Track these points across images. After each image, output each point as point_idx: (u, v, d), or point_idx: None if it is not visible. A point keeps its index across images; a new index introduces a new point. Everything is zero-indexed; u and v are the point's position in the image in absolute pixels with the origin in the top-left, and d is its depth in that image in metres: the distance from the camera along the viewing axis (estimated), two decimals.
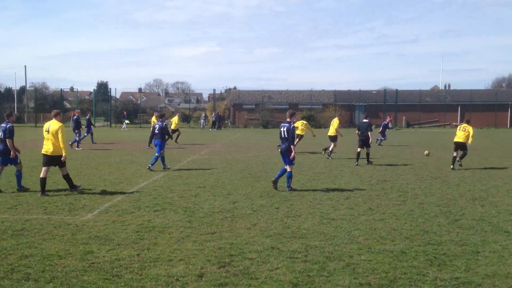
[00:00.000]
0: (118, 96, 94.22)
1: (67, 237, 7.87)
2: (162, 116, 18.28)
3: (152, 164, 16.42)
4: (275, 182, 12.58)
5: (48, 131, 11.66)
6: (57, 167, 11.95)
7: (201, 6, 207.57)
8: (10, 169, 13.02)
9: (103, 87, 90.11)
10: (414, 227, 8.72)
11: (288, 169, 12.41)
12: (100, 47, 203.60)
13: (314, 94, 66.11)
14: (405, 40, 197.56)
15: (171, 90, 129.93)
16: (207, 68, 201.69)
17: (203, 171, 16.30)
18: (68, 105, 78.69)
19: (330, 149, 21.31)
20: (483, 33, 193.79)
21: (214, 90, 70.92)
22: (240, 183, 13.81)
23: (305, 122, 24.94)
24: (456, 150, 17.75)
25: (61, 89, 69.58)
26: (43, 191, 11.62)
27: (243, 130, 52.99)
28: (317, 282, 5.89)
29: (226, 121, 62.53)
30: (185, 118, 63.80)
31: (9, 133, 12.02)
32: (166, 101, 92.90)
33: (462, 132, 18.00)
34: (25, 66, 75.34)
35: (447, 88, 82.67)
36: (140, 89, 75.65)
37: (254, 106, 62.50)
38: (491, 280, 5.97)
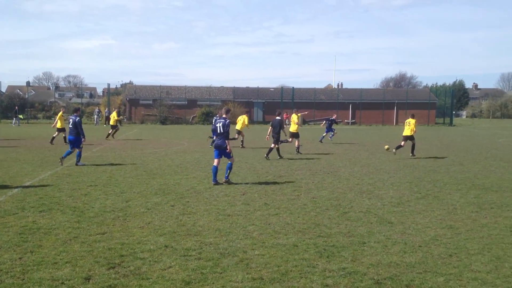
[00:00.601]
0: (4, 90, 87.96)
1: None
2: (76, 111, 17.56)
3: (78, 161, 16.60)
4: (216, 182, 12.89)
5: None
6: None
7: None
8: None
9: None
10: (306, 220, 8.97)
11: (229, 161, 13.07)
12: None
13: (213, 90, 66.16)
14: (301, 40, 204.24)
15: (62, 84, 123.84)
16: (101, 62, 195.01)
17: (95, 169, 15.65)
18: None
19: (297, 145, 21.84)
20: (373, 35, 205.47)
21: (109, 84, 68.50)
22: (134, 180, 13.43)
23: (245, 117, 26.09)
24: (405, 141, 20.71)
25: None
26: None
27: (139, 126, 51.73)
28: (210, 279, 5.85)
29: (122, 117, 60.70)
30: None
31: None
32: (57, 95, 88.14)
33: (408, 126, 20.80)
34: None
35: (339, 87, 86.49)
36: (28, 83, 70.95)
37: (151, 102, 61.23)
38: (375, 269, 6.28)
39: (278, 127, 19.41)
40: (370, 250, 7.14)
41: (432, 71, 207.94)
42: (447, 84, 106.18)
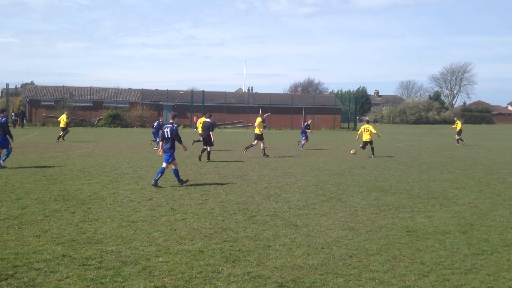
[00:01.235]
0: None
1: None
2: (2, 111, 16.95)
3: (3, 160, 16.24)
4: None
5: None
6: None
7: None
8: None
9: None
10: (213, 225, 8.91)
11: (173, 167, 13.44)
12: None
13: (120, 92, 64.35)
14: (212, 43, 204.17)
15: None
16: (1, 61, 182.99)
17: None
18: None
19: (262, 148, 22.37)
20: (282, 41, 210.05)
21: (7, 84, 64.39)
22: (32, 186, 12.68)
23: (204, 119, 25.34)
24: (364, 146, 23.26)
25: None
26: None
27: (40, 129, 49.13)
28: None
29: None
30: None
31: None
32: None
33: (367, 133, 22.92)
34: None
35: (250, 91, 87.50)
36: None
37: (53, 103, 58.33)
38: (280, 272, 6.35)
39: (207, 129, 19.96)
40: (275, 253, 7.21)
41: (337, 77, 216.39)
42: (351, 90, 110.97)
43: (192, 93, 66.16)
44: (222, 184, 13.84)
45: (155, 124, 27.32)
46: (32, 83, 76.49)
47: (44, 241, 7.53)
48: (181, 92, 68.98)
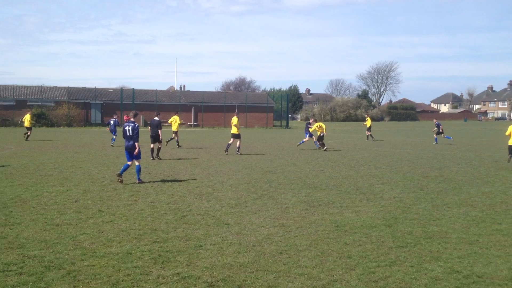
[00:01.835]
0: None
1: None
2: None
3: None
4: (120, 175, 13.50)
5: None
6: None
7: None
8: None
9: None
10: (142, 226, 8.72)
11: (137, 163, 13.73)
12: None
13: (45, 90, 61.84)
14: (142, 40, 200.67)
15: None
16: None
17: None
18: None
19: (238, 145, 23.07)
20: (214, 39, 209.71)
21: None
22: None
23: (177, 117, 26.72)
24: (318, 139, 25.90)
25: None
26: None
27: None
28: None
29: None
30: None
31: None
32: None
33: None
34: None
35: (182, 89, 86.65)
36: None
37: None
38: (210, 272, 6.29)
39: (157, 127, 20.34)
40: (206, 252, 7.15)
41: (269, 76, 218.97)
42: (283, 89, 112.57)
43: (121, 91, 64.64)
44: (152, 184, 13.59)
45: (112, 121, 28.57)
46: None
47: None
48: (110, 90, 67.23)
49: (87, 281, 5.86)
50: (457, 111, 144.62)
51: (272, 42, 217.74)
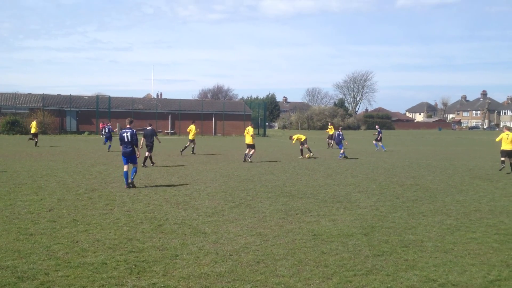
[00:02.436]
0: None
1: None
2: None
3: None
4: (130, 184, 14.28)
5: None
6: None
7: None
8: None
9: None
10: (118, 235, 8.61)
11: (133, 166, 14.46)
12: None
13: (19, 97, 60.83)
14: (118, 48, 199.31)
15: None
16: None
17: None
18: None
19: (251, 153, 23.68)
20: (191, 47, 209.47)
21: None
22: None
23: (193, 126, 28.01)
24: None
25: None
26: None
27: None
28: None
29: None
30: None
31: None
32: None
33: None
34: None
35: (159, 97, 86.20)
36: None
37: None
38: (186, 282, 6.24)
39: (151, 137, 20.99)
40: (183, 262, 7.09)
41: (246, 84, 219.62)
42: (261, 97, 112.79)
43: (97, 99, 63.93)
44: (128, 193, 13.44)
45: (106, 129, 31.13)
46: None
47: None
48: (86, 98, 66.48)
49: None
50: (431, 120, 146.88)
51: (249, 50, 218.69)
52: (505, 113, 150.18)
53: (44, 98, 61.10)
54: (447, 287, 6.27)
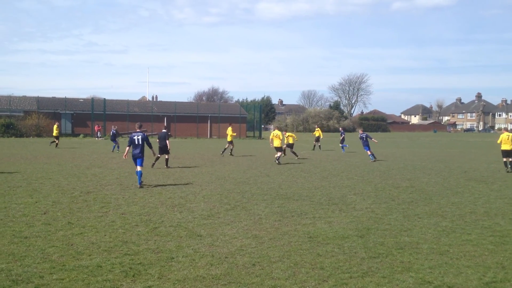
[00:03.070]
0: None
1: None
2: None
3: None
4: (141, 184, 15.07)
5: None
6: None
7: None
8: None
9: None
10: (113, 238, 8.58)
11: (140, 169, 15.14)
12: None
13: (14, 100, 60.62)
14: (114, 50, 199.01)
15: None
16: None
17: None
18: None
19: (279, 155, 24.53)
20: (186, 49, 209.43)
21: None
22: None
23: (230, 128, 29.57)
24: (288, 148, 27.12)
25: None
26: None
27: None
28: None
29: None
30: None
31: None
32: None
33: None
34: None
35: (154, 99, 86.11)
36: None
37: None
38: (182, 285, 6.22)
39: (165, 139, 21.69)
40: (178, 265, 7.06)
41: (242, 87, 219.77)
42: (256, 99, 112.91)
43: (92, 101, 63.80)
44: (124, 195, 13.41)
45: (112, 132, 33.09)
46: None
47: None
48: (81, 100, 66.31)
49: None
50: (427, 122, 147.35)
51: (244, 53, 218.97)
52: (499, 115, 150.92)
53: (39, 100, 60.89)
54: None
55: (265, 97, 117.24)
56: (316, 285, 6.31)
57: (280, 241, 8.60)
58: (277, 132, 25.51)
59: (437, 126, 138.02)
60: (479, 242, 8.77)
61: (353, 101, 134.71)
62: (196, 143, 50.86)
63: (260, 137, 68.65)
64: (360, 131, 29.03)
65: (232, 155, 29.66)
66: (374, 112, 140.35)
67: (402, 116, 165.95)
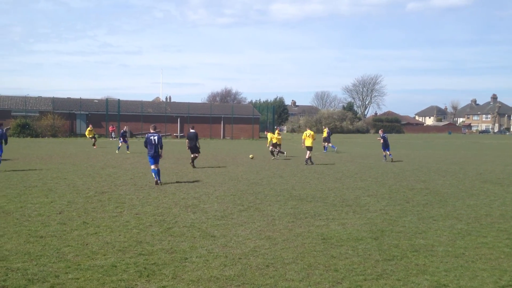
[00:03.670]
0: None
1: None
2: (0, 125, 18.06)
3: None
4: (157, 182, 15.83)
5: None
6: None
7: None
8: None
9: None
10: (128, 238, 8.63)
11: (156, 167, 15.94)
12: None
13: (29, 100, 61.33)
14: (128, 51, 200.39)
15: None
16: None
17: None
18: None
19: (308, 156, 24.84)
20: (200, 50, 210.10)
21: None
22: None
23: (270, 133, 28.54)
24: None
25: None
26: None
27: None
28: None
29: None
30: None
31: None
32: None
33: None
34: None
35: (168, 100, 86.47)
36: None
37: None
38: (196, 285, 6.23)
39: (195, 139, 21.95)
40: (192, 265, 7.08)
41: (255, 88, 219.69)
42: (269, 100, 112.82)
43: (107, 102, 64.31)
44: (138, 195, 13.48)
45: (121, 132, 34.25)
46: None
47: None
48: (95, 101, 66.86)
49: None
50: (441, 124, 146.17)
51: (258, 54, 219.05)
52: None
53: (54, 101, 61.50)
54: None
55: (278, 98, 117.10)
56: (330, 287, 6.28)
57: (294, 242, 8.59)
58: (309, 131, 25.59)
59: (452, 127, 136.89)
60: (495, 245, 8.68)
61: (366, 102, 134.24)
62: (209, 144, 50.94)
63: None
64: (380, 132, 28.90)
65: (277, 158, 28.37)
66: (388, 113, 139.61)
67: (417, 118, 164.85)
